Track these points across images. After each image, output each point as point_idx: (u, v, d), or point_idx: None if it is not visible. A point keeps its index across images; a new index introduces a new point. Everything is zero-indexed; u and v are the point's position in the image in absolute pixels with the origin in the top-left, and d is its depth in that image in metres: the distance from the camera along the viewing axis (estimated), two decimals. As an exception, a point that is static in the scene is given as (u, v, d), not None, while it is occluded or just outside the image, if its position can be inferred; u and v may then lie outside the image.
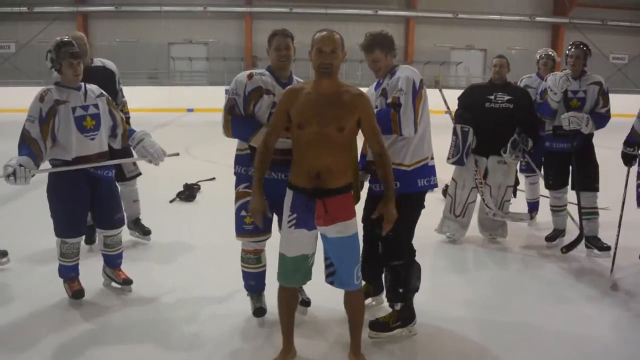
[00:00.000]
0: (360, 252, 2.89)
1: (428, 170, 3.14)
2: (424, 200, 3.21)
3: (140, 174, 4.86)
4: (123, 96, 4.81)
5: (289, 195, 2.73)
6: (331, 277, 2.79)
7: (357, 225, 2.79)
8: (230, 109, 3.09)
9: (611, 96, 4.61)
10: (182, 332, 3.17)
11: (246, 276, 3.32)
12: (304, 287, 3.43)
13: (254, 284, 3.31)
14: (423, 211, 3.22)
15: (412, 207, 3.11)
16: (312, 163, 2.61)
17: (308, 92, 2.64)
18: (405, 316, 3.13)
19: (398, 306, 3.12)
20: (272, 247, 3.11)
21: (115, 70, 4.77)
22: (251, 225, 3.11)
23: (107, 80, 4.56)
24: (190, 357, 2.93)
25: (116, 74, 4.76)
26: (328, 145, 2.60)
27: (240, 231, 3.21)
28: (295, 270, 2.78)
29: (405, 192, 3.03)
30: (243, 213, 3.14)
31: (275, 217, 3.21)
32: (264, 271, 3.31)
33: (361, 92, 2.71)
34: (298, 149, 2.68)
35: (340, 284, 2.79)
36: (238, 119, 3.08)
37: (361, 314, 2.86)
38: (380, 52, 3.11)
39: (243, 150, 3.19)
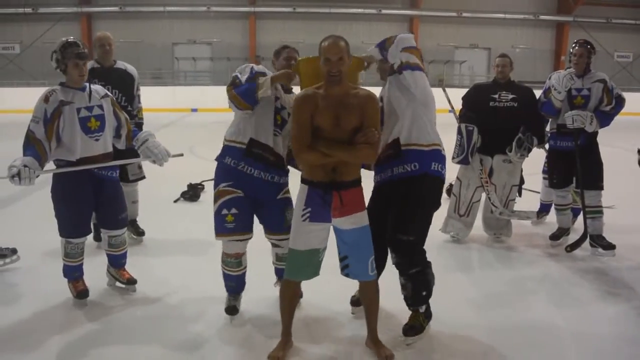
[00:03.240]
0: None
1: (441, 158, 3.10)
2: (440, 195, 3.15)
3: (144, 177, 4.89)
4: (139, 102, 4.86)
5: (303, 190, 2.80)
6: (346, 269, 2.88)
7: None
8: (232, 84, 3.11)
9: (623, 94, 4.60)
10: (186, 332, 3.18)
11: (226, 277, 3.36)
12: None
13: (234, 285, 3.36)
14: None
15: (429, 190, 3.05)
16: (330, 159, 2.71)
17: (323, 96, 2.73)
18: (429, 312, 3.17)
19: (423, 308, 3.11)
20: (253, 248, 3.26)
21: (135, 75, 4.80)
22: (233, 224, 3.14)
23: (126, 84, 4.67)
24: (195, 356, 2.93)
25: (136, 79, 4.79)
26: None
27: (222, 230, 3.20)
28: (306, 264, 2.85)
29: (423, 171, 3.01)
30: (224, 212, 3.17)
31: (255, 219, 3.28)
32: (245, 273, 3.37)
33: (369, 94, 2.79)
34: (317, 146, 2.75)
35: (356, 276, 2.89)
36: (240, 86, 3.08)
37: (376, 303, 2.95)
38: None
39: (237, 143, 3.17)
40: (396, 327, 3.14)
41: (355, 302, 3.40)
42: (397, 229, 2.95)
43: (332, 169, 2.71)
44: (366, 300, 2.97)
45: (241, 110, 3.11)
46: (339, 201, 2.74)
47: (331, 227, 2.85)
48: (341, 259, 2.89)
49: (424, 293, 3.07)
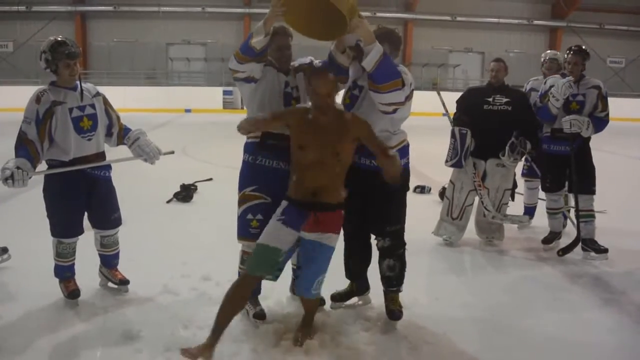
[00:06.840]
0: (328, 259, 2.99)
1: (407, 150, 3.28)
2: (407, 180, 3.31)
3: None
4: None
5: (283, 204, 2.93)
6: (295, 281, 3.05)
7: (338, 243, 2.99)
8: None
9: (608, 100, 4.63)
10: (178, 333, 3.15)
11: None
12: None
13: (254, 287, 3.29)
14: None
15: (401, 182, 3.16)
16: (310, 182, 2.84)
17: (310, 117, 2.85)
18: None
19: (402, 288, 3.32)
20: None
21: None
22: (257, 230, 3.12)
23: None
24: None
25: None
26: (325, 168, 2.83)
27: (245, 234, 3.21)
28: (266, 259, 2.89)
29: None
30: (249, 217, 3.18)
31: None
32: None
33: (354, 116, 2.94)
34: (299, 167, 2.89)
35: (299, 290, 3.03)
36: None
37: (311, 319, 3.09)
38: (389, 47, 3.13)
39: (253, 138, 3.19)
40: (387, 327, 3.14)
41: (334, 297, 3.48)
42: (385, 221, 3.13)
43: (312, 193, 2.81)
44: (305, 311, 3.09)
45: (243, 74, 3.05)
46: (313, 219, 2.85)
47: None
48: (293, 270, 3.03)
49: (405, 271, 3.32)
